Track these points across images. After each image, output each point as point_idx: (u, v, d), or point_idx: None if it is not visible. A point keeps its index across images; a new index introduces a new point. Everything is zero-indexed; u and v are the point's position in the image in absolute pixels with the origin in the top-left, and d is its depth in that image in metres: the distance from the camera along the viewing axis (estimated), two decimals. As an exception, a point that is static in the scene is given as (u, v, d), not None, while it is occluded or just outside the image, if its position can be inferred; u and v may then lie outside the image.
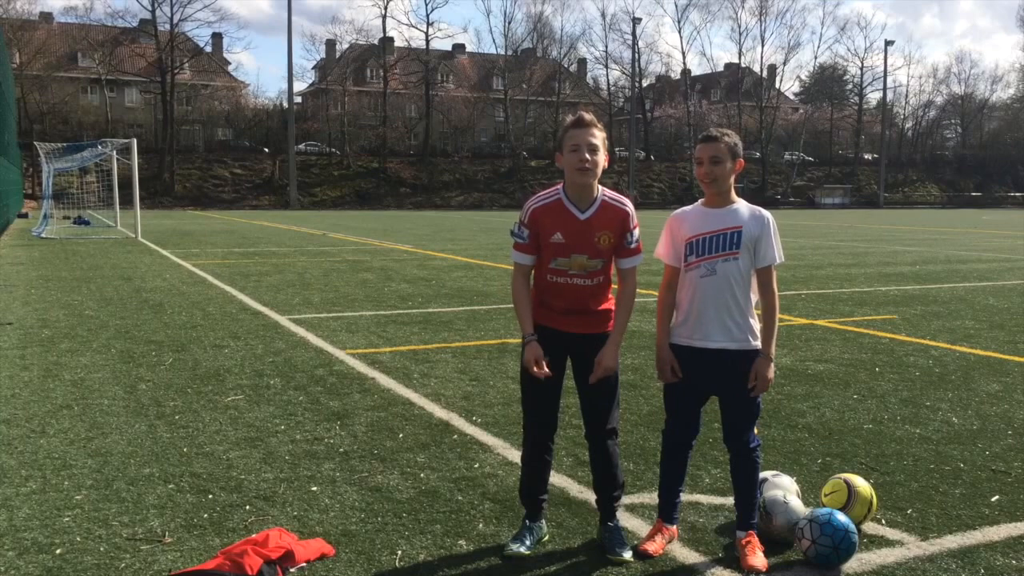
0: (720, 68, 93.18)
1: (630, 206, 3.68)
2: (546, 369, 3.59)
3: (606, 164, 3.60)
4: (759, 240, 3.63)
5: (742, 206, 3.68)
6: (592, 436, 3.82)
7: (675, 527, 3.85)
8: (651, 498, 4.31)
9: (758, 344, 3.67)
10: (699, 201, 3.79)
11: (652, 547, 3.70)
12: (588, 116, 3.60)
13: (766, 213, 3.69)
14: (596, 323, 3.71)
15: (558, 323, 3.69)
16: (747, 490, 3.73)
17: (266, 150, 71.95)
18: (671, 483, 3.84)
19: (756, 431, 3.77)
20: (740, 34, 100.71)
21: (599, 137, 3.56)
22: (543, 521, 3.86)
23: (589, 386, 3.70)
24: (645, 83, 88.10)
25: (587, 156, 3.51)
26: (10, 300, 11.28)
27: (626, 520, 4.03)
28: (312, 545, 3.67)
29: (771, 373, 3.65)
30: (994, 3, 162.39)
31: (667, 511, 3.84)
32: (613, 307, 3.74)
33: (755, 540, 3.66)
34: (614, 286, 3.75)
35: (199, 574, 3.37)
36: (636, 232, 3.69)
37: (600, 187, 3.65)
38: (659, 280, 3.95)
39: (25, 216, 35.99)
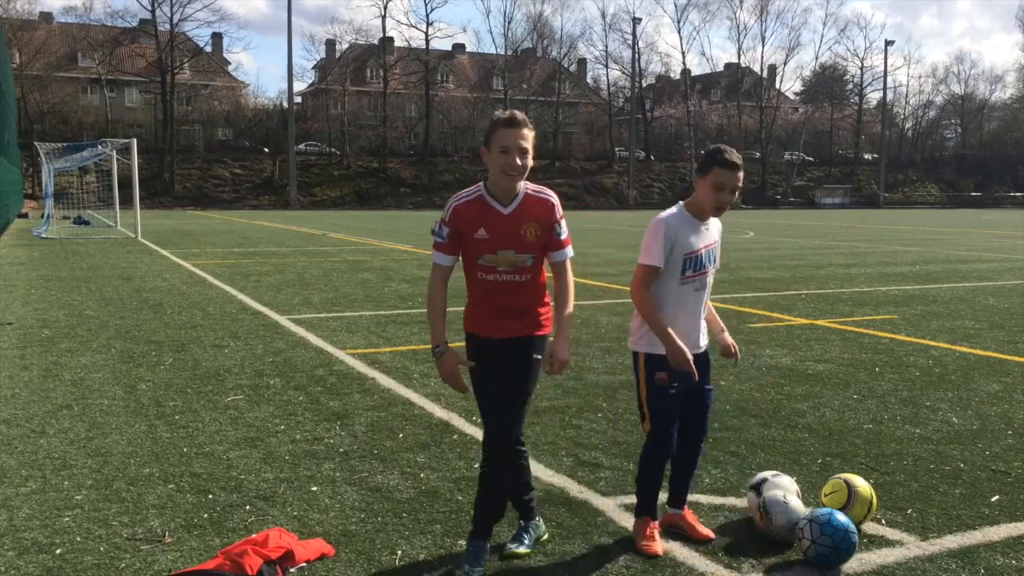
0: (720, 68, 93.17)
1: (555, 197, 3.58)
2: (466, 384, 3.52)
3: (531, 163, 3.47)
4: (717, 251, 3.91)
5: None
6: (498, 440, 3.56)
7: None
8: (651, 498, 4.31)
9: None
10: (683, 210, 3.76)
11: (659, 547, 3.69)
12: (520, 115, 3.45)
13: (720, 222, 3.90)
14: (530, 325, 3.59)
15: (492, 330, 3.58)
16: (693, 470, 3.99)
17: (266, 150, 71.91)
18: (659, 483, 3.86)
19: None
20: (739, 34, 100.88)
21: (530, 138, 3.44)
22: (539, 519, 3.83)
23: (505, 387, 3.54)
24: (645, 83, 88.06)
25: (517, 161, 3.39)
26: (10, 300, 11.28)
27: (626, 520, 4.04)
28: (312, 545, 3.67)
29: None
30: (992, 3, 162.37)
31: (653, 507, 3.85)
32: (550, 310, 3.64)
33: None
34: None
35: (199, 574, 3.37)
36: (563, 224, 3.59)
37: (523, 182, 3.54)
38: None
39: (25, 216, 35.99)
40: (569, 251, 3.62)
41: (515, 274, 3.52)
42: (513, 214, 3.48)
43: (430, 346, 3.55)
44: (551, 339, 3.60)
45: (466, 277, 3.62)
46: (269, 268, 16.07)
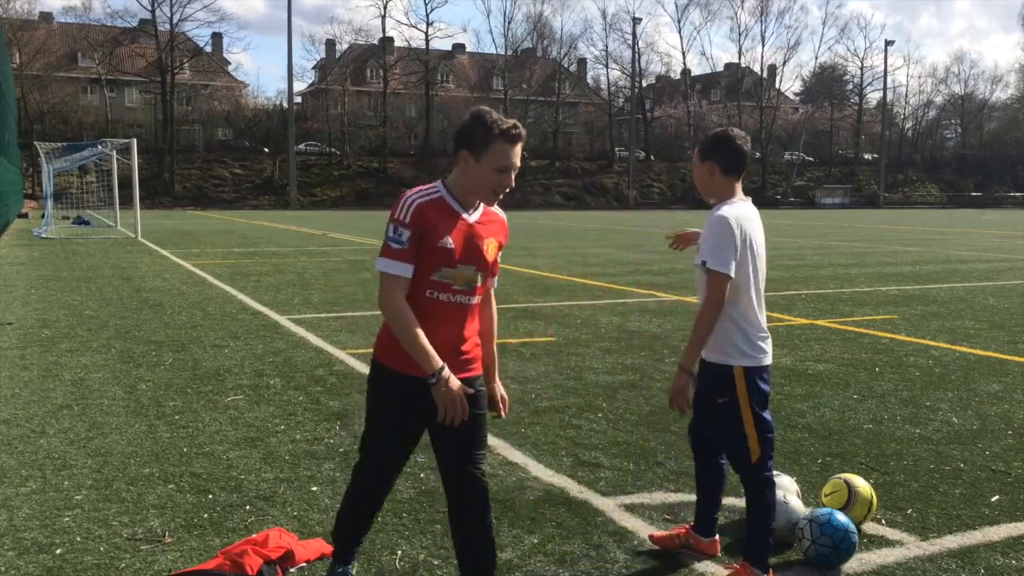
0: (720, 68, 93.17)
1: (505, 216, 3.16)
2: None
3: None
4: (702, 242, 3.38)
5: (718, 209, 3.40)
6: (461, 486, 3.10)
7: (712, 539, 3.67)
8: (650, 498, 4.32)
9: (729, 360, 3.37)
10: None
11: (659, 535, 3.70)
12: (522, 128, 2.97)
13: (716, 214, 3.37)
14: (466, 363, 3.06)
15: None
16: (749, 518, 3.49)
17: (266, 150, 71.92)
18: (698, 488, 3.72)
19: (754, 459, 3.38)
20: (740, 34, 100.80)
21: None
22: (354, 565, 3.39)
23: (457, 430, 2.99)
24: (645, 83, 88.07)
25: (512, 182, 2.96)
26: (10, 300, 11.28)
27: (626, 520, 4.03)
28: (312, 545, 3.67)
29: (680, 383, 3.35)
30: (991, 3, 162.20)
31: (698, 521, 3.70)
32: (477, 342, 3.14)
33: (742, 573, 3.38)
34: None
35: (199, 574, 3.38)
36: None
37: None
38: None
39: (25, 216, 35.99)
40: (496, 279, 3.20)
41: (469, 295, 3.01)
42: (477, 224, 3.01)
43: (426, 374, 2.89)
44: (485, 376, 3.17)
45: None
46: (269, 268, 16.07)
